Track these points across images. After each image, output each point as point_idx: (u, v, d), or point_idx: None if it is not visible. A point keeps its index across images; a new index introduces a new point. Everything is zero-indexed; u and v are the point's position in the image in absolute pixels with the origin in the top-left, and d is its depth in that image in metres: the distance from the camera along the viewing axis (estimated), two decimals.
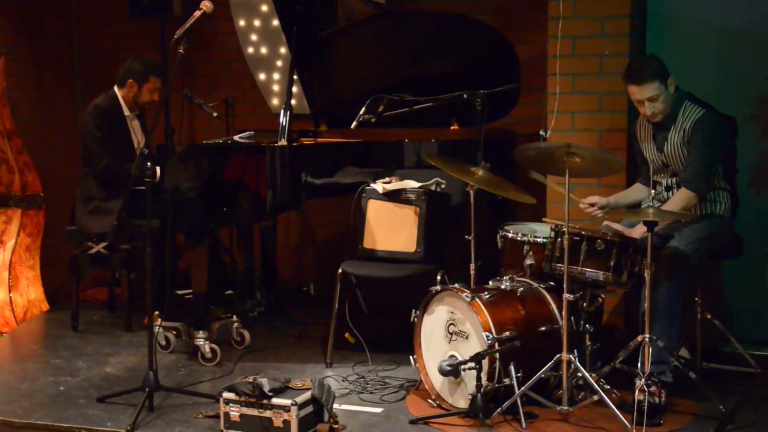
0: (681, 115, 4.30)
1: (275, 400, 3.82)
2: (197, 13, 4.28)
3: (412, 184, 4.77)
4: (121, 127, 5.45)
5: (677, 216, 4.18)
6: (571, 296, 4.00)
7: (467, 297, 4.05)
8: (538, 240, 4.40)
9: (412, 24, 5.55)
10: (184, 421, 4.05)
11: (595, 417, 3.99)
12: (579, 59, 4.90)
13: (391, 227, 4.74)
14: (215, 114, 5.37)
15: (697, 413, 4.04)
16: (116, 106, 5.44)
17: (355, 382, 4.53)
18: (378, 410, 4.17)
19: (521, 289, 4.20)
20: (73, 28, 6.84)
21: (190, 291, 5.07)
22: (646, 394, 3.82)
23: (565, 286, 3.97)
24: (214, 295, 5.30)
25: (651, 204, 4.09)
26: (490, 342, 3.94)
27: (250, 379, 3.92)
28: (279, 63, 6.30)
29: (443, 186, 4.80)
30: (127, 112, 5.47)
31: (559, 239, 4.17)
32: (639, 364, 3.95)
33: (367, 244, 4.80)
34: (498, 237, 4.56)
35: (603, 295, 4.37)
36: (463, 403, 4.07)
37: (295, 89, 5.25)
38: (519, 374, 3.97)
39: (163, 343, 5.05)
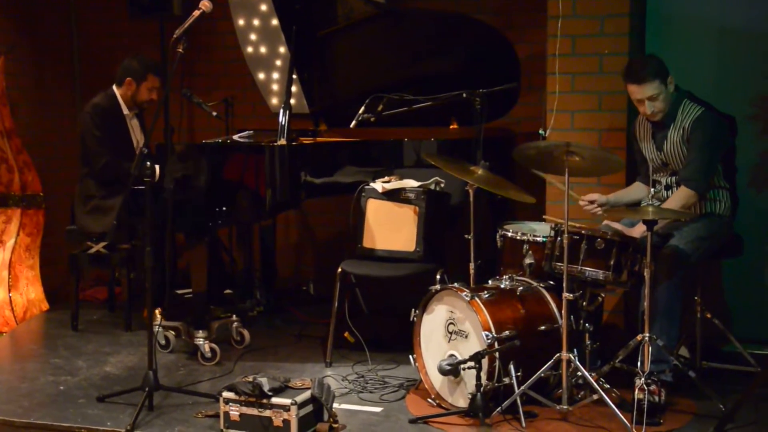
0: (680, 113, 4.30)
1: (275, 400, 3.82)
2: (196, 13, 4.27)
3: (411, 183, 4.77)
4: (120, 126, 5.45)
5: (677, 215, 4.18)
6: (571, 295, 4.00)
7: (467, 296, 4.05)
8: (538, 239, 4.40)
9: (412, 23, 5.55)
10: (184, 421, 4.05)
11: (595, 416, 3.99)
12: (578, 58, 4.90)
13: (390, 226, 4.74)
14: (215, 113, 5.37)
15: (697, 412, 4.04)
16: (115, 105, 5.44)
17: (355, 381, 4.53)
18: (378, 410, 4.17)
19: (521, 288, 4.20)
20: (73, 28, 6.84)
21: (190, 290, 5.07)
22: (646, 393, 3.82)
23: (564, 285, 3.97)
24: (214, 295, 5.30)
25: (650, 203, 4.09)
26: (489, 341, 3.93)
27: (250, 379, 3.92)
28: (278, 62, 6.29)
29: (443, 185, 4.80)
30: (126, 111, 5.47)
31: (558, 238, 4.17)
32: (639, 363, 3.95)
33: (367, 243, 4.80)
34: (497, 236, 4.56)
35: (603, 294, 4.37)
36: (462, 403, 4.07)
37: (294, 88, 5.25)
38: (519, 373, 3.97)
39: (163, 342, 5.05)
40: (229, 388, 3.92)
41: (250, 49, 6.33)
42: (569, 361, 3.94)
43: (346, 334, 4.95)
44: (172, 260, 5.61)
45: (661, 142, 4.37)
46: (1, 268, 5.75)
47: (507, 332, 4.00)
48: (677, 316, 4.15)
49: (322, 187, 5.04)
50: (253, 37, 6.32)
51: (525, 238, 4.44)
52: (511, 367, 3.97)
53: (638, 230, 4.25)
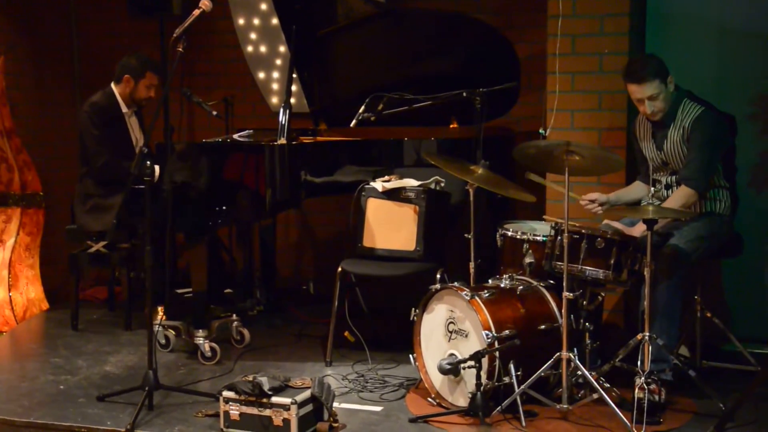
0: (680, 113, 4.30)
1: (275, 399, 3.82)
2: (196, 12, 4.27)
3: (411, 182, 4.77)
4: (118, 124, 5.45)
5: (677, 214, 4.17)
6: (571, 294, 4.01)
7: (467, 295, 4.05)
8: (538, 238, 4.40)
9: (412, 22, 5.55)
10: (184, 420, 4.05)
11: (595, 415, 3.99)
12: (578, 57, 4.90)
13: (390, 226, 4.74)
14: (215, 112, 5.37)
15: (697, 411, 4.04)
16: (113, 103, 5.43)
17: (355, 380, 4.53)
18: (378, 409, 4.17)
19: (521, 287, 4.20)
20: (73, 27, 6.84)
21: (190, 290, 5.07)
22: (646, 392, 3.82)
23: (564, 284, 3.97)
24: (214, 294, 5.30)
25: (651, 202, 4.09)
26: (489, 340, 3.93)
27: (250, 378, 3.92)
28: (278, 62, 6.30)
29: (443, 184, 4.80)
30: (124, 109, 5.47)
31: (559, 237, 4.17)
32: (639, 363, 3.95)
33: (367, 242, 4.80)
34: (497, 235, 4.56)
35: (603, 294, 4.37)
36: (462, 402, 4.07)
37: (294, 88, 5.25)
38: (519, 373, 3.97)
39: (163, 341, 5.05)
40: (229, 388, 3.92)
41: (250, 49, 6.34)
42: (569, 361, 3.94)
43: (346, 333, 4.95)
44: (172, 259, 5.61)
45: (661, 142, 4.37)
46: (1, 267, 5.75)
47: (507, 331, 4.00)
48: (677, 315, 4.15)
49: (322, 187, 5.04)
50: (253, 36, 6.32)
51: (525, 237, 4.44)
52: (511, 366, 3.97)
53: (638, 229, 4.25)
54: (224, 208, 4.82)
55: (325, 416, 3.91)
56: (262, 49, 6.31)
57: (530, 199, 4.44)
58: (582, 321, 4.20)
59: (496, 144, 5.00)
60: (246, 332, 5.13)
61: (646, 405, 3.79)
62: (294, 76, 5.29)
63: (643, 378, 3.84)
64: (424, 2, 6.02)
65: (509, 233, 4.51)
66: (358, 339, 4.88)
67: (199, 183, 4.81)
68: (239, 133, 5.53)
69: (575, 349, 4.03)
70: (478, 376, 3.89)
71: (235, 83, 6.46)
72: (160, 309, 4.91)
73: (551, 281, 4.30)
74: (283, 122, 4.92)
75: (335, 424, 3.93)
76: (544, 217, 4.70)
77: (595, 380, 3.94)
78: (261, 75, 6.36)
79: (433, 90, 4.74)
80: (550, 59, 4.95)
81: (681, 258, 4.16)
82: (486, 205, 4.88)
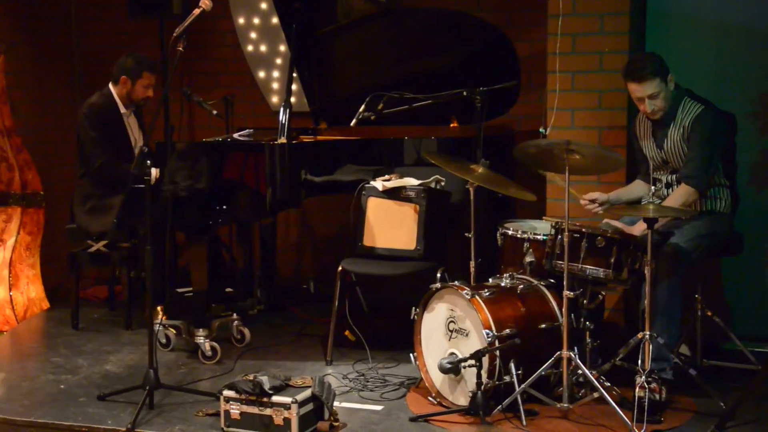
0: (680, 111, 4.30)
1: (275, 398, 3.82)
2: (196, 11, 4.27)
3: (411, 181, 4.76)
4: (117, 125, 5.44)
5: (677, 213, 4.17)
6: (572, 293, 4.01)
7: (467, 294, 4.05)
8: (538, 237, 4.40)
9: (412, 21, 5.54)
10: (185, 419, 4.05)
11: (596, 414, 3.99)
12: (579, 56, 4.90)
13: (390, 225, 4.74)
14: (215, 112, 5.37)
15: (698, 410, 4.04)
16: (112, 103, 5.43)
17: (356, 379, 4.53)
18: (378, 408, 4.17)
19: (521, 286, 4.20)
20: (73, 26, 6.84)
21: (190, 289, 5.07)
22: (647, 391, 3.82)
23: (565, 283, 3.97)
24: (214, 293, 5.30)
25: (651, 201, 4.09)
26: (490, 339, 3.93)
27: (251, 377, 3.92)
28: (278, 61, 6.30)
29: (443, 183, 4.79)
30: (123, 110, 5.46)
31: (559, 236, 4.17)
32: (639, 361, 3.95)
33: (367, 241, 4.79)
34: (498, 234, 4.56)
35: (603, 293, 4.37)
36: (463, 401, 4.07)
37: (294, 87, 5.25)
38: (519, 371, 3.97)
39: (164, 341, 5.05)
40: (230, 387, 3.93)
41: (250, 48, 6.34)
42: (570, 359, 3.94)
43: (347, 332, 4.95)
44: (172, 259, 5.61)
45: (662, 141, 4.37)
46: (2, 266, 5.75)
47: (507, 330, 4.00)
48: (678, 314, 4.16)
49: (323, 186, 5.03)
50: (253, 35, 6.32)
51: (525, 236, 4.44)
52: (512, 365, 3.97)
53: (639, 228, 4.25)
54: (224, 207, 4.82)
55: (326, 415, 3.91)
56: (263, 48, 6.31)
57: (530, 198, 4.44)
58: (582, 320, 4.19)
59: (496, 143, 5.00)
60: (246, 331, 5.13)
61: (646, 404, 3.79)
62: (294, 75, 5.29)
63: (643, 377, 3.84)
64: (424, 1, 6.02)
65: (510, 232, 4.51)
66: (359, 338, 4.88)
67: (200, 182, 4.81)
68: (239, 133, 5.53)
69: (576, 348, 4.03)
70: (479, 375, 3.89)
71: (235, 82, 6.46)
72: (159, 308, 4.91)
73: (552, 280, 4.30)
74: (284, 121, 4.92)
75: (336, 423, 3.93)
76: (543, 217, 4.70)
77: (596, 379, 3.94)
78: (261, 74, 6.36)
79: (434, 89, 4.74)
80: (551, 58, 4.95)
81: (681, 257, 4.16)
82: (486, 204, 4.87)
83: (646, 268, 3.92)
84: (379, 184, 4.78)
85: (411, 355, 4.31)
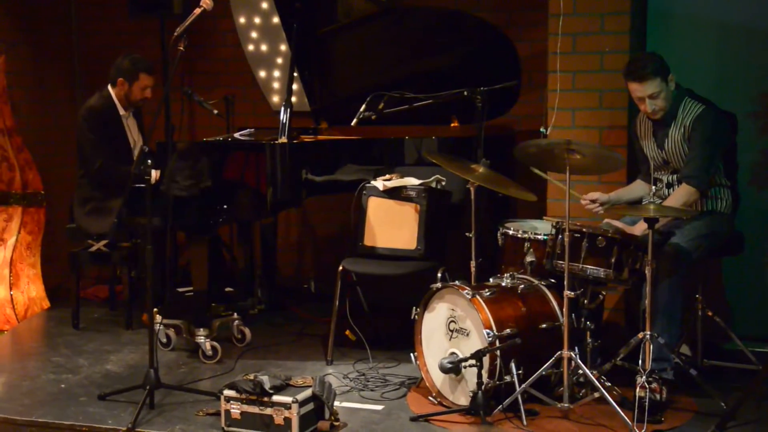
0: (681, 111, 4.30)
1: (276, 398, 3.82)
2: (197, 11, 4.27)
3: (412, 181, 4.76)
4: (116, 127, 5.43)
5: (678, 213, 4.17)
6: (572, 293, 4.01)
7: (468, 294, 4.05)
8: (539, 237, 4.40)
9: (413, 21, 5.54)
10: (185, 419, 4.05)
11: (596, 414, 3.99)
12: (579, 56, 4.90)
13: (391, 224, 4.74)
14: (216, 111, 5.37)
15: (698, 410, 4.04)
16: (111, 105, 5.41)
17: (356, 379, 4.53)
18: (379, 407, 4.17)
19: (522, 286, 4.20)
20: (74, 26, 6.84)
21: (191, 288, 5.07)
22: (647, 391, 3.82)
23: (566, 283, 3.97)
24: (215, 293, 5.30)
25: (652, 201, 4.09)
26: (490, 339, 3.93)
27: (251, 377, 3.92)
28: (279, 60, 6.30)
29: (444, 183, 4.79)
30: (122, 111, 5.45)
31: (560, 236, 4.16)
32: (640, 361, 3.95)
33: (368, 241, 4.79)
34: (498, 234, 4.56)
35: (604, 292, 4.37)
36: (464, 401, 4.07)
37: (295, 86, 5.25)
38: (520, 371, 3.97)
39: (164, 340, 5.05)
40: (231, 387, 3.93)
41: (251, 47, 6.34)
42: (570, 359, 3.94)
43: (347, 332, 4.95)
44: (173, 258, 5.61)
45: (662, 141, 4.36)
46: (3, 266, 5.76)
47: (508, 330, 4.00)
48: (678, 314, 4.15)
49: (323, 185, 5.03)
50: (254, 35, 6.32)
51: (526, 236, 4.44)
52: (513, 365, 3.97)
53: (639, 228, 4.25)
54: (225, 206, 4.82)
55: (326, 415, 3.91)
56: (263, 47, 6.31)
57: (531, 198, 4.44)
58: (583, 320, 4.19)
59: (496, 143, 4.99)
60: (247, 331, 5.13)
61: (647, 404, 3.79)
62: (295, 74, 5.29)
63: (644, 377, 3.84)
64: (424, 0, 6.02)
65: (510, 232, 4.51)
66: (359, 338, 4.88)
67: (200, 182, 4.81)
68: (240, 132, 5.53)
69: (576, 348, 4.03)
70: (479, 375, 3.89)
71: (236, 82, 6.46)
72: (155, 311, 4.90)
73: (552, 280, 4.30)
74: (284, 121, 4.92)
75: (336, 423, 3.93)
76: (544, 217, 4.70)
77: (597, 379, 3.94)
78: (262, 74, 6.36)
79: (434, 88, 4.74)
80: (551, 58, 4.95)
81: (682, 257, 4.16)
82: (487, 204, 4.86)
83: (647, 268, 3.92)
84: (379, 183, 4.78)
85: (411, 354, 4.31)
